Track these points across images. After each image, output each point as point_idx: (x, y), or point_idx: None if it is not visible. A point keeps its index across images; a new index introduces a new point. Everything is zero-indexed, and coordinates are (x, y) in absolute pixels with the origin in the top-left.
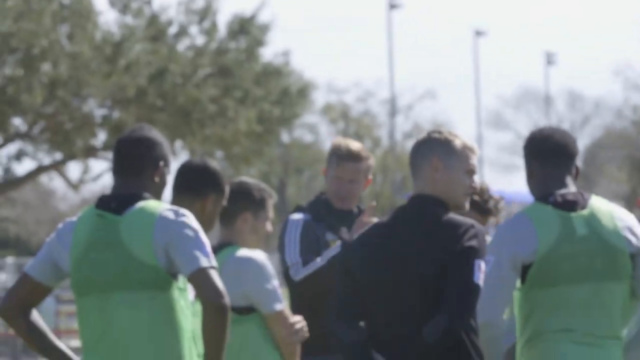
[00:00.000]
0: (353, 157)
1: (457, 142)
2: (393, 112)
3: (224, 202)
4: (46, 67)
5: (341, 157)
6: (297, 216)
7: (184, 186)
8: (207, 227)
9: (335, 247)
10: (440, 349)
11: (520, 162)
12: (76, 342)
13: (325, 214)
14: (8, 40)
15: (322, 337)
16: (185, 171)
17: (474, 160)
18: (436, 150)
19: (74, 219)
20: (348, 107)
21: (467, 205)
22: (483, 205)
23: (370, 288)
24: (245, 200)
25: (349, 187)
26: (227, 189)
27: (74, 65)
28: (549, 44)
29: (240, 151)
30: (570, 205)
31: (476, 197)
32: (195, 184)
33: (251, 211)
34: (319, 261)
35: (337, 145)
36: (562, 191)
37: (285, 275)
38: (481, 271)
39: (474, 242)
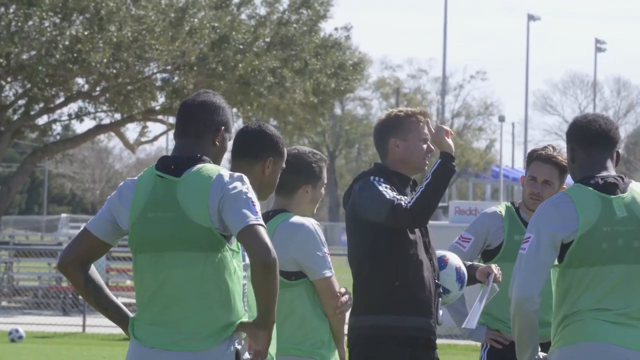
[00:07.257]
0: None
1: None
2: (444, 90)
3: (283, 165)
4: (112, 29)
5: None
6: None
7: (242, 151)
8: (267, 191)
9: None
10: None
11: (565, 144)
12: (124, 299)
13: (389, 177)
14: (79, 1)
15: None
16: (242, 136)
17: None
18: None
19: (135, 178)
20: (400, 83)
21: None
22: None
23: None
24: (307, 174)
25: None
26: (285, 152)
27: (138, 29)
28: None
29: (295, 121)
30: (611, 188)
31: (560, 158)
32: (253, 148)
33: (312, 184)
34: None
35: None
36: (603, 174)
37: (393, 210)
38: None
39: None
